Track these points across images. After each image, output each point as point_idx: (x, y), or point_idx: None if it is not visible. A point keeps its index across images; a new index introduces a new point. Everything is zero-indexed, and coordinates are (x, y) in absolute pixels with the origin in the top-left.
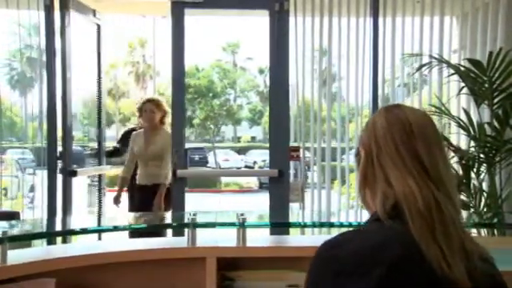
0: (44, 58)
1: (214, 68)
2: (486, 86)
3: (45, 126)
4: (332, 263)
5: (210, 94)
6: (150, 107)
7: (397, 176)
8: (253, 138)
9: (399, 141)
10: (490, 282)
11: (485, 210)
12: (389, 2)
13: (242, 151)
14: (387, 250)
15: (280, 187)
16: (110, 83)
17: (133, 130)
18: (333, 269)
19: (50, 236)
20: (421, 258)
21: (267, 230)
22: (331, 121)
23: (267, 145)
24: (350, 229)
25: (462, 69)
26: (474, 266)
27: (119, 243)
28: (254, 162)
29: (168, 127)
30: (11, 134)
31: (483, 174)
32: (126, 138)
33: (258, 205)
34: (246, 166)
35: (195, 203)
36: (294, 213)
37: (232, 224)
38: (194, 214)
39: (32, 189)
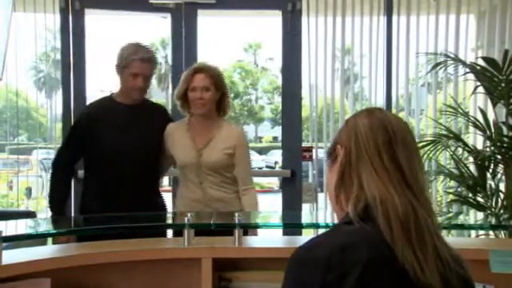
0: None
1: (236, 68)
2: (503, 85)
3: None
4: (313, 262)
5: (232, 95)
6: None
7: (376, 182)
8: (274, 138)
9: (382, 146)
10: (465, 286)
11: (501, 211)
12: (403, 0)
13: (263, 151)
14: (360, 251)
15: (293, 188)
16: None
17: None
18: (315, 267)
19: (42, 236)
20: (393, 259)
21: (280, 231)
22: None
23: None
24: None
25: (478, 68)
26: (449, 271)
27: (114, 243)
28: (275, 162)
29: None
30: (38, 135)
31: (500, 175)
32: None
33: (277, 205)
34: (268, 167)
35: None
36: (307, 213)
37: (228, 225)
38: (191, 215)
39: None
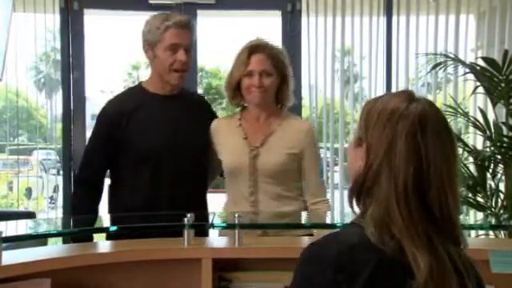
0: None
1: None
2: (502, 85)
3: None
4: (324, 261)
5: None
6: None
7: (399, 222)
8: None
9: (411, 186)
10: None
11: (501, 211)
12: (402, 0)
13: None
14: (371, 251)
15: None
16: (133, 85)
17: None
18: (326, 266)
19: (43, 237)
20: (403, 260)
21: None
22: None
23: None
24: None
25: (478, 68)
26: (467, 282)
27: (114, 243)
28: None
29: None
30: (38, 136)
31: (500, 175)
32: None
33: None
34: None
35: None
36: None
37: (228, 225)
38: (190, 215)
39: (55, 189)
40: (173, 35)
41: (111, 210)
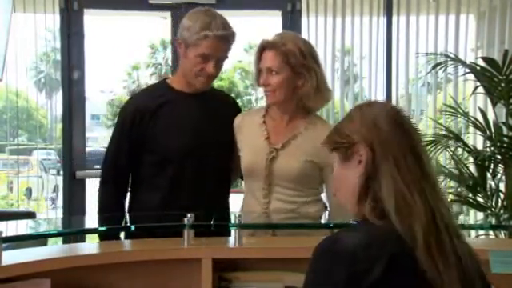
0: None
1: (237, 69)
2: (502, 85)
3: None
4: (338, 256)
5: (233, 95)
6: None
7: (400, 186)
8: None
9: (406, 145)
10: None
11: (501, 211)
12: (402, 0)
13: None
14: (385, 247)
15: None
16: (132, 85)
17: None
18: (340, 261)
19: (43, 237)
20: (415, 256)
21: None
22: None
23: None
24: None
25: (478, 68)
26: (468, 271)
27: (114, 244)
28: None
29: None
30: (38, 136)
31: (500, 175)
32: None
33: None
34: None
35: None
36: None
37: (228, 225)
38: (191, 215)
39: (55, 189)
40: (209, 46)
41: (130, 210)
